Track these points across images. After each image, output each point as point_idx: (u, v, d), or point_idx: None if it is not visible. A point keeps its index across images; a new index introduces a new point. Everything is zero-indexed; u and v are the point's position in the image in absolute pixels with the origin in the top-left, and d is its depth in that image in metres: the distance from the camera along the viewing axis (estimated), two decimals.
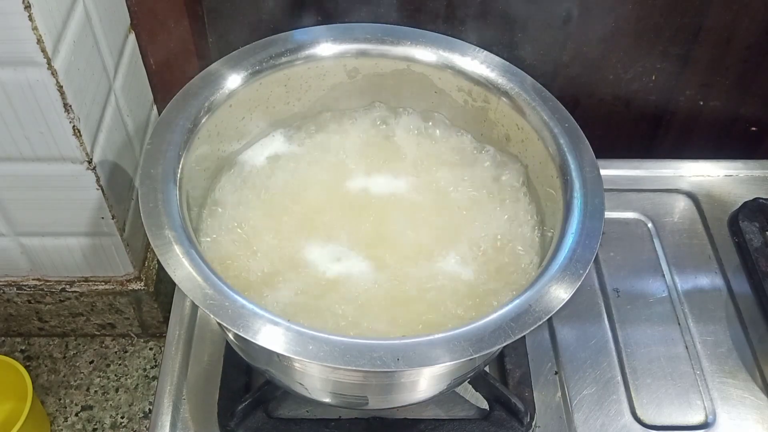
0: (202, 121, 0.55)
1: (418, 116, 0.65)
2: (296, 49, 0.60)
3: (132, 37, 0.69)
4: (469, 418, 0.62)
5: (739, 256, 0.73)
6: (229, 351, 0.64)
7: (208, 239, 0.56)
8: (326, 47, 0.60)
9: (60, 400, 0.75)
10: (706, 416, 0.63)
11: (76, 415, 0.74)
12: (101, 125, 0.62)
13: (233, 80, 0.57)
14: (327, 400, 0.55)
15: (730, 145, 0.87)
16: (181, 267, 0.46)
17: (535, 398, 0.62)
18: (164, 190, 0.50)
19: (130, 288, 0.72)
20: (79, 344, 0.79)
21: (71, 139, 0.57)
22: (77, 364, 0.78)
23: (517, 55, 0.76)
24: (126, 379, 0.77)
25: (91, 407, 0.75)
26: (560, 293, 0.47)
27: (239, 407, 0.59)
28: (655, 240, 0.75)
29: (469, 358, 0.44)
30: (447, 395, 0.63)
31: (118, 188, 0.66)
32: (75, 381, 0.76)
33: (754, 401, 0.64)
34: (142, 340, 0.80)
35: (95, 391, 0.76)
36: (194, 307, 0.68)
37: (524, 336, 0.47)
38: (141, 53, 0.71)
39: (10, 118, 0.55)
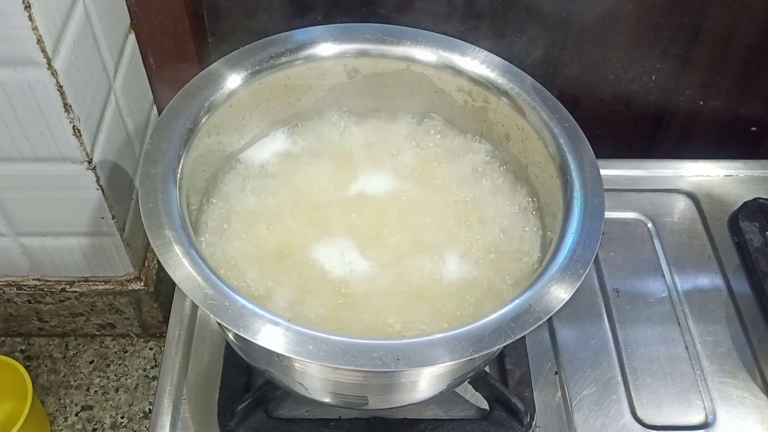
0: (202, 121, 0.55)
1: (418, 116, 0.65)
2: (296, 49, 0.60)
3: (132, 37, 0.69)
4: (469, 418, 0.62)
5: (739, 256, 0.73)
6: (229, 351, 0.64)
7: (208, 239, 0.56)
8: (326, 47, 0.60)
9: (60, 400, 0.75)
10: (706, 416, 0.63)
11: (76, 415, 0.74)
12: (101, 125, 0.62)
13: (233, 80, 0.57)
14: (327, 400, 0.55)
15: (730, 145, 0.87)
16: (181, 267, 0.46)
17: (535, 398, 0.62)
18: (164, 190, 0.50)
19: (130, 288, 0.72)
20: (79, 344, 0.79)
21: (71, 139, 0.57)
22: (77, 364, 0.78)
23: (518, 55, 0.76)
24: (126, 379, 0.77)
25: (91, 407, 0.75)
26: (560, 293, 0.47)
27: (239, 407, 0.59)
28: (655, 240, 0.75)
29: (469, 358, 0.44)
30: (447, 395, 0.63)
31: (118, 188, 0.66)
32: (75, 381, 0.76)
33: (754, 401, 0.64)
34: (142, 340, 0.80)
35: (95, 391, 0.76)
36: (194, 307, 0.68)
37: (524, 336, 0.47)
38: (141, 53, 0.71)
39: (10, 118, 0.55)
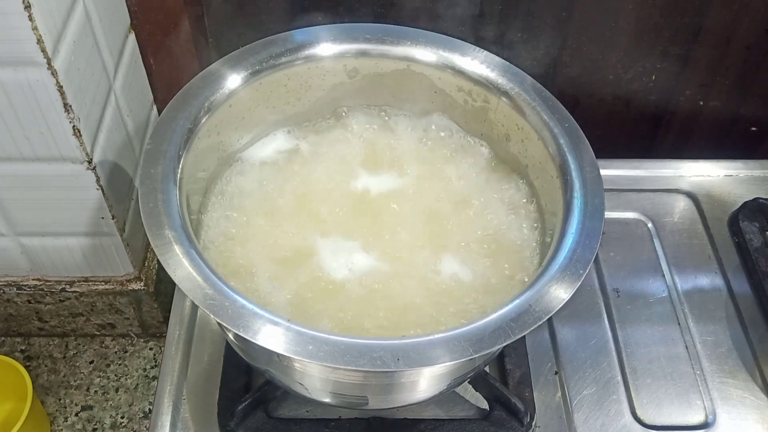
0: (202, 121, 0.55)
1: (418, 116, 0.65)
2: (296, 49, 0.60)
3: (132, 37, 0.69)
4: (469, 418, 0.62)
5: (739, 256, 0.73)
6: (229, 351, 0.64)
7: (208, 239, 0.56)
8: (326, 47, 0.60)
9: (60, 400, 0.75)
10: (706, 416, 0.63)
11: (76, 415, 0.74)
12: (101, 125, 0.62)
13: (233, 80, 0.57)
14: (327, 400, 0.55)
15: (730, 145, 0.87)
16: (181, 267, 0.46)
17: (535, 398, 0.62)
18: (164, 190, 0.50)
19: (130, 288, 0.72)
20: (79, 344, 0.79)
21: (71, 139, 0.57)
22: (77, 364, 0.78)
23: (518, 55, 0.76)
24: (126, 379, 0.77)
25: (91, 407, 0.75)
26: (560, 293, 0.47)
27: (239, 407, 0.59)
28: (655, 240, 0.75)
29: (469, 358, 0.44)
30: (447, 395, 0.63)
31: (118, 188, 0.66)
32: (75, 381, 0.76)
33: (754, 401, 0.64)
34: (142, 340, 0.80)
35: (95, 391, 0.76)
36: (194, 307, 0.68)
37: (524, 336, 0.47)
38: (141, 53, 0.71)
39: (10, 118, 0.55)
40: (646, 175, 0.80)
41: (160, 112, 0.73)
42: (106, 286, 0.72)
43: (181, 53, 0.73)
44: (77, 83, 0.56)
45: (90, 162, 0.59)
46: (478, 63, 0.60)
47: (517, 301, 0.46)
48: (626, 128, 0.85)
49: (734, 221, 0.75)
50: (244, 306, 0.45)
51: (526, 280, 0.54)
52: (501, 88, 0.59)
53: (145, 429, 0.73)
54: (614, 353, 0.66)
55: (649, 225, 0.76)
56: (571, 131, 0.56)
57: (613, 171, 0.79)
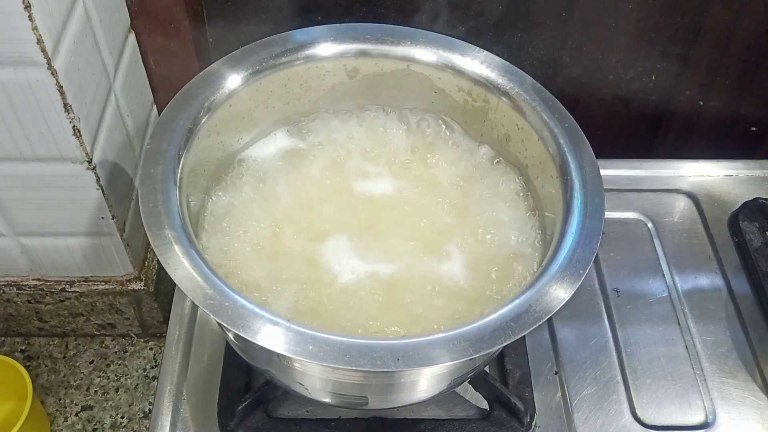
0: (202, 121, 0.55)
1: (418, 116, 0.65)
2: (296, 49, 0.60)
3: (132, 37, 0.69)
4: (469, 418, 0.62)
5: (739, 256, 0.73)
6: (229, 351, 0.64)
7: (208, 239, 0.56)
8: (326, 47, 0.60)
9: (60, 400, 0.75)
10: (706, 416, 0.63)
11: (76, 415, 0.74)
12: (101, 125, 0.62)
13: (233, 80, 0.57)
14: (327, 400, 0.55)
15: (730, 145, 0.87)
16: (181, 267, 0.46)
17: (535, 398, 0.62)
18: (164, 190, 0.50)
19: (130, 288, 0.72)
20: (79, 344, 0.79)
21: (71, 139, 0.57)
22: (77, 364, 0.78)
23: (517, 55, 0.76)
24: (126, 379, 0.77)
25: (91, 407, 0.75)
26: (560, 293, 0.47)
27: (239, 407, 0.59)
28: (655, 240, 0.75)
29: (469, 358, 0.44)
30: (447, 395, 0.63)
31: (118, 188, 0.66)
32: (75, 381, 0.76)
33: (754, 401, 0.64)
34: (142, 340, 0.80)
35: (95, 391, 0.76)
36: (194, 307, 0.68)
37: (524, 336, 0.47)
38: (141, 53, 0.71)
39: (10, 118, 0.55)
40: (646, 175, 0.80)
41: (160, 112, 0.73)
42: (106, 286, 0.72)
43: (181, 53, 0.73)
44: (77, 83, 0.56)
45: (90, 162, 0.59)
46: (478, 63, 0.60)
47: (517, 301, 0.46)
48: (626, 128, 0.85)
49: (734, 221, 0.75)
50: (244, 306, 0.45)
51: (526, 280, 0.54)
52: (501, 88, 0.59)
53: (145, 429, 0.73)
54: (614, 353, 0.66)
55: (649, 225, 0.76)
56: (571, 131, 0.56)
57: (613, 171, 0.79)
